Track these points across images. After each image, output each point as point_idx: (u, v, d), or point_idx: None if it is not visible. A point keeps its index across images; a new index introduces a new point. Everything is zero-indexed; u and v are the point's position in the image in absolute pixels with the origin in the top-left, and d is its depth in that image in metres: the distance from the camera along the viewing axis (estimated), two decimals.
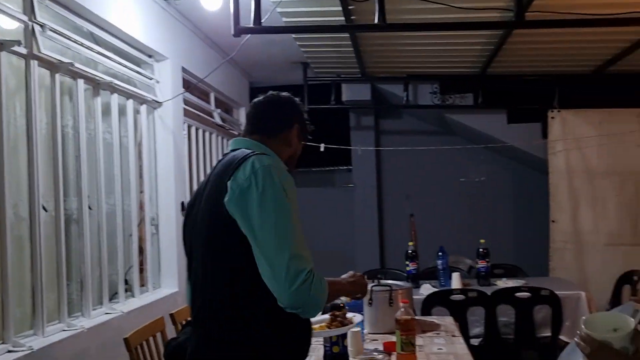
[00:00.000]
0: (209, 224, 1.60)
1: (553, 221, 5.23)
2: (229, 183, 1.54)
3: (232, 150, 1.70)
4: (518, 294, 3.80)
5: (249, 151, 1.63)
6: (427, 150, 6.00)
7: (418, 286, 4.16)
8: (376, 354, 2.39)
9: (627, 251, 5.11)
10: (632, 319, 0.98)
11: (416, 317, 2.63)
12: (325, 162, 6.79)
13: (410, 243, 4.49)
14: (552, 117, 5.26)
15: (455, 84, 5.79)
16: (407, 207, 6.51)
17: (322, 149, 5.42)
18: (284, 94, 1.81)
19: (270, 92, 1.81)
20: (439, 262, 4.35)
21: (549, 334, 3.84)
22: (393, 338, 2.40)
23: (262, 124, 1.75)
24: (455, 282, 4.13)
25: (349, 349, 2.20)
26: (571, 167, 5.21)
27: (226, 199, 1.53)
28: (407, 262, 4.36)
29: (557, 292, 3.77)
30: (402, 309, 2.24)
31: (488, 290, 3.89)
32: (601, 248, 5.14)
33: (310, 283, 1.49)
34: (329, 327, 2.06)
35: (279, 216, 1.51)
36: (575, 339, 0.99)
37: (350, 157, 6.46)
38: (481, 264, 4.32)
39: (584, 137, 5.19)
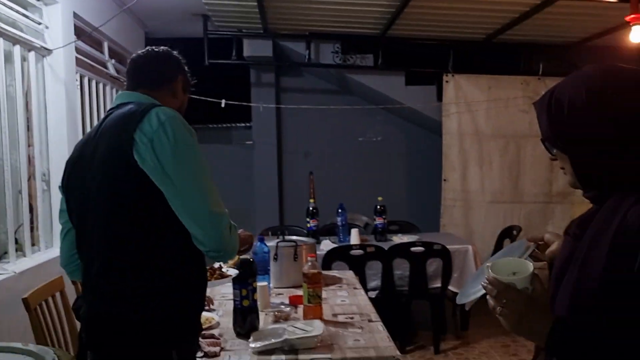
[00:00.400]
0: (114, 180, 1.54)
1: (445, 180, 5.53)
2: (136, 136, 1.50)
3: (121, 105, 1.64)
4: (413, 249, 4.03)
5: (146, 103, 1.60)
6: (327, 109, 6.08)
7: (318, 242, 4.27)
8: (283, 306, 2.46)
9: (507, 208, 5.55)
10: (530, 264, 1.10)
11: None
12: (224, 119, 6.69)
13: (311, 200, 4.58)
14: (447, 81, 5.51)
15: (356, 44, 5.88)
16: (306, 165, 6.59)
17: (223, 105, 5.33)
18: (162, 48, 1.80)
19: (148, 47, 1.79)
20: (339, 218, 4.49)
21: (439, 285, 4.12)
22: (298, 292, 2.48)
23: (146, 78, 1.72)
24: (354, 238, 4.29)
25: (257, 303, 2.23)
26: (462, 129, 5.51)
27: (136, 151, 1.50)
28: (308, 219, 4.46)
29: (447, 246, 4.03)
30: (309, 263, 2.31)
31: (385, 246, 4.08)
32: (486, 205, 5.54)
33: (230, 227, 1.57)
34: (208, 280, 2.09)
35: (195, 164, 1.54)
36: (482, 283, 1.08)
37: (249, 114, 6.41)
38: (378, 221, 4.50)
39: (475, 101, 5.49)
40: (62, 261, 1.78)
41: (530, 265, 1.08)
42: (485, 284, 1.07)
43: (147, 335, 1.53)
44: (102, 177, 1.56)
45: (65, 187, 1.70)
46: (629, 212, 1.01)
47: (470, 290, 1.32)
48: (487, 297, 1.07)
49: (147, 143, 1.49)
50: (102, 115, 4.47)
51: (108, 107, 4.62)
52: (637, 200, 1.02)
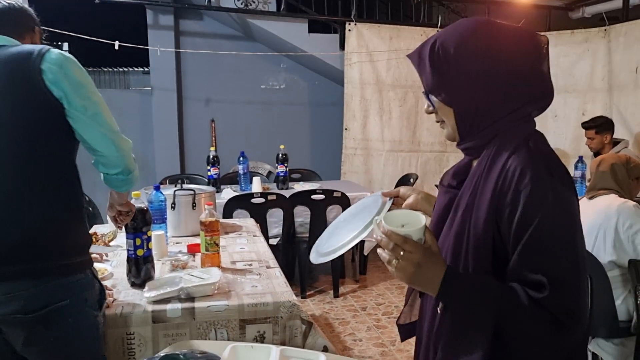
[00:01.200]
0: (21, 111, 1.56)
1: (346, 129, 5.60)
2: (43, 66, 1.56)
3: None
4: (313, 196, 4.09)
5: (34, 45, 1.65)
6: (229, 55, 5.93)
7: (219, 190, 4.23)
8: (181, 255, 2.42)
9: (405, 157, 5.74)
10: (422, 215, 1.09)
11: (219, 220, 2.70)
12: (120, 63, 6.36)
13: (212, 148, 4.51)
14: (349, 30, 5.51)
15: None
16: (208, 112, 6.45)
17: (116, 47, 5.04)
18: (16, 1, 1.82)
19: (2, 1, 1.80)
20: (240, 167, 4.46)
21: None
22: (196, 240, 2.45)
23: (8, 26, 1.73)
24: (256, 186, 4.28)
25: (153, 252, 2.19)
26: (364, 78, 5.57)
27: (47, 80, 1.56)
28: (209, 167, 4.39)
29: (347, 194, 4.12)
30: (207, 211, 2.28)
31: (286, 193, 4.11)
32: (385, 154, 5.69)
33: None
34: None
35: (100, 97, 1.68)
36: (376, 237, 1.06)
37: (147, 58, 6.12)
38: (280, 169, 4.51)
39: (376, 51, 5.55)
40: None
41: (422, 217, 1.07)
42: (380, 238, 1.04)
43: (67, 259, 1.60)
44: (3, 110, 1.56)
45: None
46: (509, 159, 1.06)
47: (325, 249, 1.32)
48: (379, 250, 1.05)
49: (57, 71, 1.57)
50: None
51: None
52: (515, 148, 1.07)
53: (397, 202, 1.42)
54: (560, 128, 5.46)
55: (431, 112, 1.19)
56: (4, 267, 1.52)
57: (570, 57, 5.44)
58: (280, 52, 6.10)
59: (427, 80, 1.14)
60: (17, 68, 1.58)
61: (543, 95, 1.12)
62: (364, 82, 5.57)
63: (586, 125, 4.45)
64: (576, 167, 4.21)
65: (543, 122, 5.18)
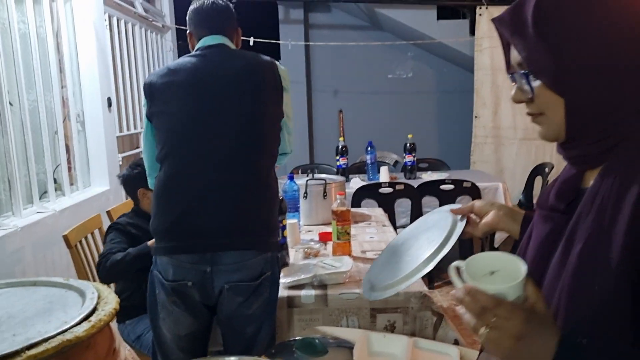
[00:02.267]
0: (265, 109, 1.78)
1: (476, 117, 5.44)
2: (282, 80, 1.82)
3: (220, 45, 1.81)
4: (442, 186, 4.02)
5: (253, 53, 1.84)
6: (356, 46, 5.98)
7: (348, 180, 4.30)
8: (313, 243, 2.51)
9: (539, 145, 5.44)
10: (521, 261, 0.79)
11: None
12: None
13: (340, 138, 4.58)
14: (480, 14, 5.32)
15: None
16: (336, 103, 6.56)
17: (251, 44, 5.28)
18: None
19: None
20: (368, 156, 4.49)
21: None
22: (327, 229, 2.52)
23: (222, 25, 1.85)
24: (384, 175, 4.30)
25: (288, 239, 2.29)
26: (495, 64, 5.36)
27: (284, 86, 1.83)
28: (337, 157, 4.47)
29: (477, 184, 4.01)
30: (338, 201, 2.34)
31: (414, 183, 4.08)
32: (517, 142, 5.45)
33: None
34: None
35: None
36: (455, 293, 0.77)
37: (278, 52, 6.35)
38: (408, 158, 4.49)
39: None
40: (151, 171, 1.91)
41: (521, 264, 0.78)
42: (462, 296, 0.75)
43: (274, 237, 1.83)
44: (255, 104, 1.76)
45: (163, 107, 1.79)
46: None
47: (381, 282, 1.10)
48: (461, 310, 0.77)
49: (287, 85, 1.84)
50: (134, 57, 4.50)
51: (139, 48, 4.64)
52: None
53: (471, 220, 1.13)
54: None
55: (523, 101, 0.85)
56: (240, 237, 1.73)
57: None
58: (408, 40, 6.04)
59: (529, 53, 0.81)
60: (268, 73, 1.80)
61: None
62: (495, 67, 5.36)
63: None
64: None
65: None
